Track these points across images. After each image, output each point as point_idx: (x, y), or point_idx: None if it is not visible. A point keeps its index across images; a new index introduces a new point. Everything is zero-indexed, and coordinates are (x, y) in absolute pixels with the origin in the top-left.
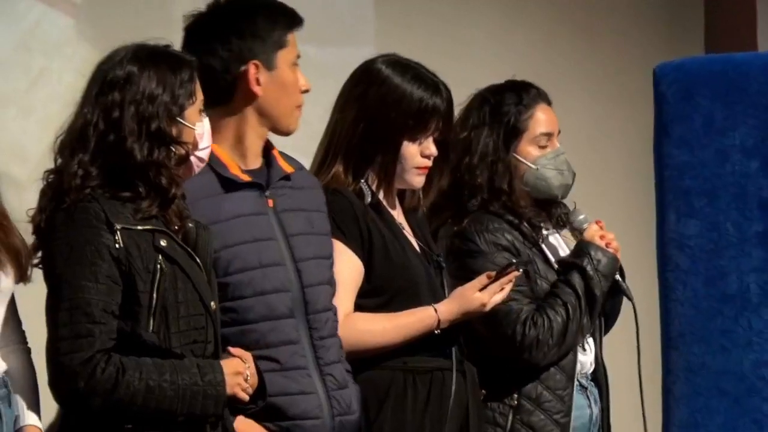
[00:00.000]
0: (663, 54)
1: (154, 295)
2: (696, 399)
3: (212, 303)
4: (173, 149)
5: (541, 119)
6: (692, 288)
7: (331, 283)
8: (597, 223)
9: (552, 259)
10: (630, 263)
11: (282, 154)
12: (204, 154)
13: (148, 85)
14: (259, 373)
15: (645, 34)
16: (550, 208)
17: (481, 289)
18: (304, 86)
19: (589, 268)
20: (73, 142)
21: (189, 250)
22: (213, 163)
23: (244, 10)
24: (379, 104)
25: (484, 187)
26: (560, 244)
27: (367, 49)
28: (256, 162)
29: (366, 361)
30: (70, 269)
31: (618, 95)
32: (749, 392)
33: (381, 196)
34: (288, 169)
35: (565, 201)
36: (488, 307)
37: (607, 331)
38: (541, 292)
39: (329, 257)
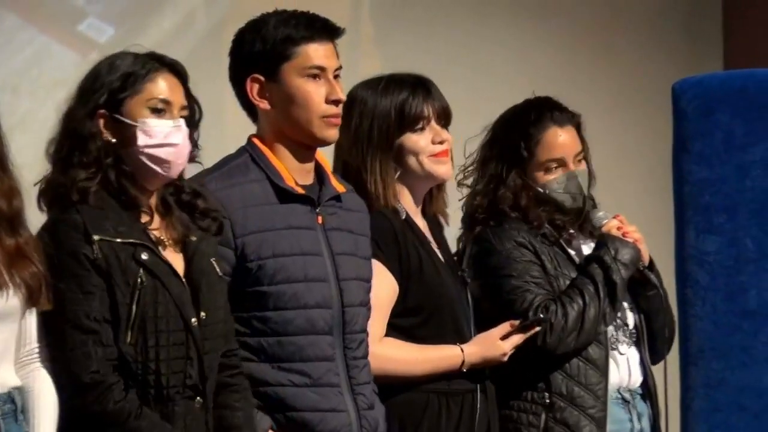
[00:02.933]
0: (682, 70)
1: (134, 308)
2: (715, 415)
3: (193, 320)
4: (89, 144)
5: (549, 145)
6: (712, 304)
7: (368, 306)
8: (616, 217)
9: (575, 256)
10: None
11: (335, 174)
12: (160, 153)
13: (84, 82)
14: None
15: (664, 51)
16: (579, 218)
17: (503, 337)
18: (331, 96)
19: (606, 257)
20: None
21: (172, 265)
22: (270, 173)
23: (256, 24)
24: (363, 120)
25: (507, 210)
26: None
27: (384, 65)
28: (306, 178)
29: (400, 384)
30: (57, 283)
31: (637, 111)
32: None
33: (407, 206)
34: (340, 188)
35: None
36: (507, 358)
37: (663, 337)
38: (560, 288)
39: (369, 281)
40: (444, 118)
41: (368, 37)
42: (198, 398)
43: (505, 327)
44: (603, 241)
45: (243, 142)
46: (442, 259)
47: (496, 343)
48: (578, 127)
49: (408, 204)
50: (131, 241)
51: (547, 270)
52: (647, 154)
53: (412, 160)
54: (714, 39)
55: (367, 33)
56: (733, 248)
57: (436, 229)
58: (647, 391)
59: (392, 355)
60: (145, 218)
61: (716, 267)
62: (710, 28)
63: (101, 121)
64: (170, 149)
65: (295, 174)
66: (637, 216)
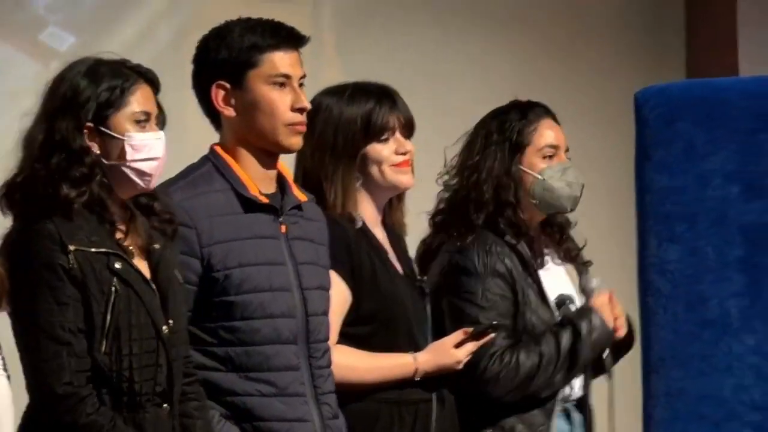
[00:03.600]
0: (644, 79)
1: (108, 317)
2: (675, 424)
3: (164, 327)
4: (87, 160)
5: (546, 133)
6: (673, 313)
7: (328, 315)
8: (609, 295)
9: (547, 292)
10: (613, 288)
11: (296, 183)
12: (145, 166)
13: (64, 94)
14: None
15: (627, 60)
16: (559, 237)
17: (457, 345)
18: (296, 104)
19: (583, 330)
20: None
21: (143, 273)
22: (233, 182)
23: (221, 32)
24: (327, 128)
25: (490, 202)
26: (563, 278)
27: (346, 73)
28: (268, 186)
29: (354, 393)
30: (32, 293)
31: (600, 120)
32: (729, 417)
33: (364, 216)
34: (302, 197)
35: (575, 239)
36: (461, 366)
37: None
38: (528, 324)
39: (328, 290)
40: (408, 128)
41: (330, 46)
42: (165, 405)
43: (458, 335)
44: (588, 313)
45: (205, 150)
46: (400, 269)
47: (449, 351)
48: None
49: (368, 213)
50: (104, 250)
51: (517, 305)
52: (609, 162)
53: (374, 170)
54: (676, 48)
55: (328, 42)
56: (694, 257)
57: (396, 239)
58: (582, 400)
59: (344, 362)
60: (118, 229)
61: (677, 276)
62: (672, 37)
63: (87, 135)
64: (153, 163)
65: (258, 183)
66: (599, 224)
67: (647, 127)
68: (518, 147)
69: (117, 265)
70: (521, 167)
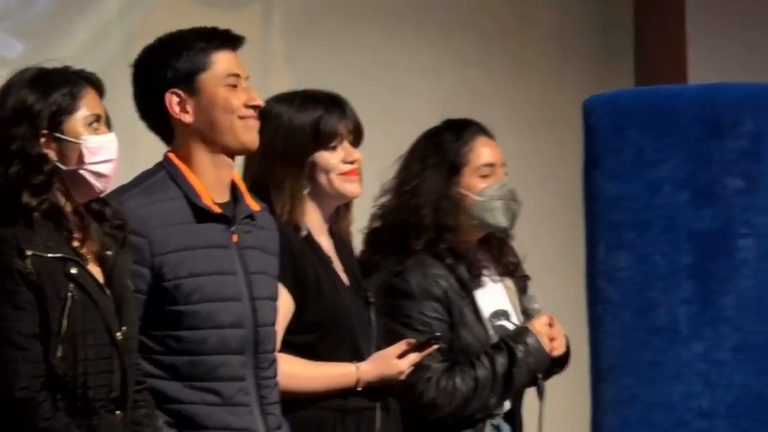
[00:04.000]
0: (593, 87)
1: (64, 322)
2: (626, 431)
3: (118, 334)
4: (47, 166)
5: (482, 151)
6: (622, 320)
7: (276, 326)
8: (549, 318)
9: (483, 312)
10: (560, 295)
11: (250, 192)
12: (103, 169)
13: (13, 104)
14: None
15: (575, 68)
16: (499, 252)
17: (400, 356)
18: (250, 102)
19: (519, 354)
20: None
21: (98, 279)
22: (187, 191)
23: (161, 45)
24: (276, 135)
25: (431, 227)
26: (500, 294)
27: (295, 81)
28: (222, 195)
29: (297, 401)
30: None
31: (549, 128)
32: (678, 424)
33: (310, 225)
34: (255, 207)
35: (517, 251)
36: (404, 376)
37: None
38: (463, 343)
39: (276, 300)
40: (357, 136)
41: (279, 53)
42: (118, 411)
43: (401, 345)
44: (525, 335)
45: (156, 155)
46: (345, 279)
47: (392, 361)
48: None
49: (315, 222)
50: (61, 255)
51: (453, 326)
52: (558, 170)
53: (322, 178)
54: (625, 56)
55: (277, 49)
56: (643, 265)
57: (342, 248)
58: (511, 413)
59: (286, 370)
60: (74, 236)
61: (626, 283)
62: (621, 44)
63: (44, 142)
64: (110, 164)
65: (212, 191)
66: (547, 232)
67: (596, 135)
68: (455, 168)
69: (73, 271)
70: (459, 189)
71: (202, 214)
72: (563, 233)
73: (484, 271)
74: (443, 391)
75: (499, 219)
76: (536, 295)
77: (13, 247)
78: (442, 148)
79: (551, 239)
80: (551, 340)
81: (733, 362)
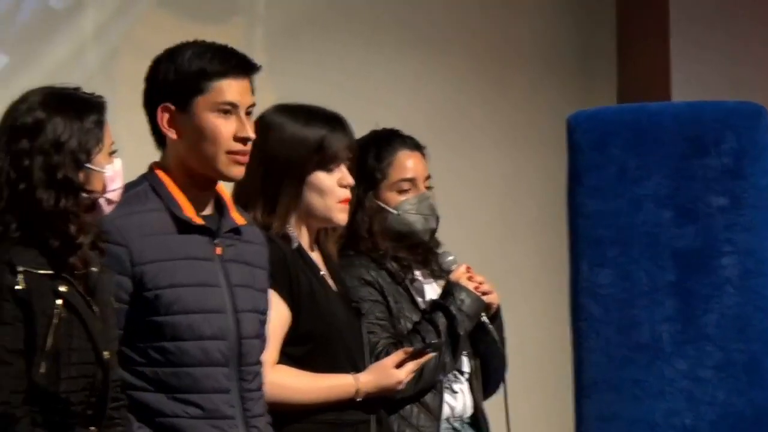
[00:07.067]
0: (576, 103)
1: (50, 339)
2: None
3: (105, 353)
4: (82, 196)
5: (401, 165)
6: (605, 337)
7: (262, 338)
8: (466, 267)
9: (419, 300)
10: (542, 312)
11: (235, 205)
12: (114, 195)
13: (54, 133)
14: None
15: (558, 85)
16: (425, 256)
17: (398, 366)
18: (239, 133)
19: (452, 307)
20: None
21: (86, 297)
22: (168, 202)
23: (172, 54)
24: (279, 146)
25: (344, 236)
26: (433, 291)
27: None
28: (206, 208)
29: (292, 414)
30: None
31: (532, 144)
32: None
33: (301, 238)
34: (240, 221)
35: (441, 249)
36: (403, 386)
37: (496, 377)
38: (404, 332)
39: (264, 313)
40: (353, 160)
41: (262, 66)
42: (93, 428)
43: (399, 355)
44: (450, 289)
45: (136, 172)
46: (335, 290)
47: (390, 371)
48: (424, 156)
49: (302, 236)
50: (50, 272)
51: (391, 310)
52: (541, 186)
53: (316, 199)
54: (608, 73)
55: (260, 62)
56: (626, 281)
57: (330, 260)
58: (475, 418)
59: (284, 382)
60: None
61: (609, 300)
62: (604, 62)
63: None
64: (120, 190)
65: (195, 204)
66: (530, 249)
67: (579, 152)
68: (374, 182)
69: (62, 288)
70: (377, 202)
71: (184, 226)
72: (546, 249)
73: (415, 271)
74: None
75: (416, 232)
76: (448, 250)
77: (4, 261)
78: (361, 161)
79: (534, 255)
80: (478, 284)
81: (715, 380)
